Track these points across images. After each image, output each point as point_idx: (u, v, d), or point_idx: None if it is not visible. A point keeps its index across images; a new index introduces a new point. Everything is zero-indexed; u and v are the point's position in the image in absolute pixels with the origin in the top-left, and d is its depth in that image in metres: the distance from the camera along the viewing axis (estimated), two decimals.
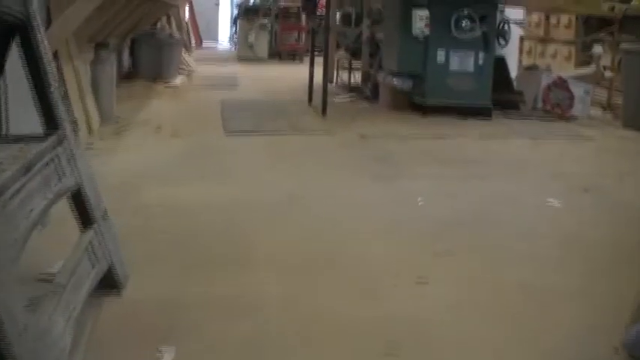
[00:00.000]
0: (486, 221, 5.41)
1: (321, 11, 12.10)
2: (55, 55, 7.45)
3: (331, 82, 13.06)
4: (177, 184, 6.18)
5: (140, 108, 10.20)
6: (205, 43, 25.98)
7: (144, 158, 7.17)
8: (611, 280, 4.37)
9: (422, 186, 6.34)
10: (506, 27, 10.88)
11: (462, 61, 10.31)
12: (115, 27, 10.57)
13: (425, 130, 9.14)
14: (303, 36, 20.20)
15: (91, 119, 8.23)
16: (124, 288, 3.83)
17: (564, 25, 15.38)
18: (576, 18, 14.68)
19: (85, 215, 3.63)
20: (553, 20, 15.72)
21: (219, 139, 8.30)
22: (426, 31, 9.95)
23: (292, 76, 15.27)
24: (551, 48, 15.76)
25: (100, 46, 9.13)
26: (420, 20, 9.87)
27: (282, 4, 20.66)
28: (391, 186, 6.37)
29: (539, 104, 11.08)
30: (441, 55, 10.27)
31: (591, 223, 5.55)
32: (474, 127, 9.56)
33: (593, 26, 14.11)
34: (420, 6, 9.96)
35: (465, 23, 10.07)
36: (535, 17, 16.09)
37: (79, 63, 8.17)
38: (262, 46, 20.01)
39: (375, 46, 12.42)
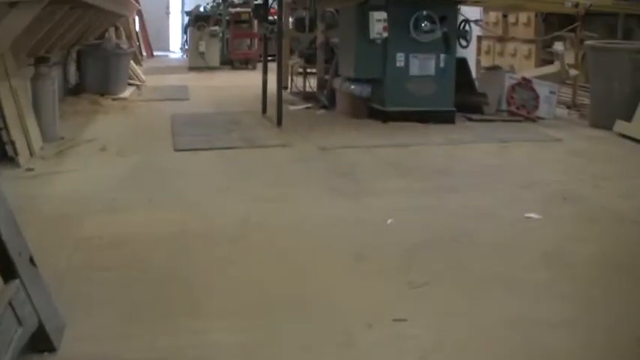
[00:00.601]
0: (462, 241, 4.93)
1: (272, 17, 11.58)
2: None
3: (285, 89, 12.59)
4: (122, 211, 5.66)
5: (86, 125, 9.66)
6: (156, 53, 25.45)
7: (87, 181, 6.65)
8: (606, 304, 3.96)
9: (389, 203, 5.87)
10: (467, 27, 10.42)
11: (423, 65, 9.86)
12: (58, 39, 10.04)
13: (387, 139, 8.67)
14: (256, 42, 19.75)
15: (32, 140, 7.69)
16: (59, 343, 3.32)
17: (523, 23, 15.09)
18: (535, 15, 14.38)
19: (5, 266, 3.10)
20: (511, 19, 15.41)
21: (169, 157, 7.76)
22: (385, 34, 9.47)
23: (245, 85, 14.72)
24: (510, 47, 15.46)
25: (40, 60, 8.59)
26: (378, 23, 9.39)
27: (233, 10, 20.15)
28: (356, 204, 5.87)
29: (504, 106, 10.67)
30: (400, 59, 9.81)
31: (575, 237, 5.12)
32: (437, 132, 9.11)
33: (553, 24, 13.84)
34: (376, 8, 9.49)
35: (424, 24, 9.62)
36: (492, 16, 15.72)
37: (16, 80, 7.64)
38: (214, 55, 19.44)
39: (330, 52, 11.99)
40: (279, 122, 9.48)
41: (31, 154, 7.59)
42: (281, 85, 9.78)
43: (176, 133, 9.02)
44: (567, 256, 4.72)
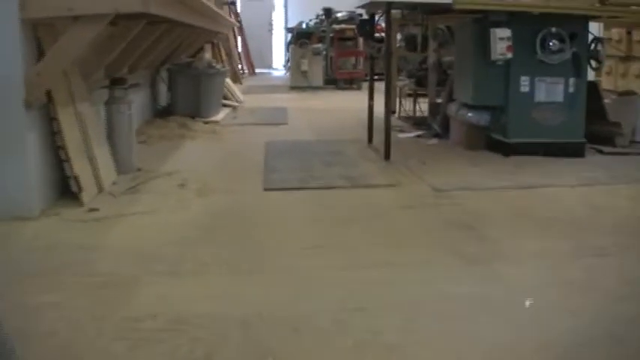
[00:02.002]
0: (627, 342, 3.59)
1: (379, 34, 10.43)
2: (49, 96, 5.97)
3: (393, 113, 11.44)
4: (189, 275, 4.50)
5: (169, 153, 8.68)
6: (259, 70, 24.72)
7: (156, 229, 5.54)
8: None
9: (525, 273, 4.58)
10: (599, 46, 9.11)
11: (550, 90, 8.59)
12: (141, 57, 9.10)
13: (512, 179, 7.36)
14: (361, 61, 18.69)
15: (101, 174, 6.68)
16: None
17: None
18: None
19: None
20: (636, 36, 14.01)
21: (257, 198, 6.61)
22: (508, 55, 8.21)
23: (349, 107, 13.70)
24: (634, 67, 14.04)
25: (115, 82, 7.58)
26: (501, 42, 8.12)
27: (337, 27, 19.10)
28: (485, 275, 4.56)
29: (639, 137, 9.35)
30: (524, 84, 8.54)
31: None
32: (567, 170, 7.83)
33: None
34: (499, 24, 8.26)
35: (552, 43, 8.37)
36: (614, 33, 14.24)
37: (84, 104, 6.65)
38: (317, 74, 18.47)
39: (443, 73, 10.80)
40: (387, 155, 8.32)
41: (100, 189, 6.60)
42: (389, 112, 8.58)
43: (268, 166, 7.92)
44: None
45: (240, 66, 22.13)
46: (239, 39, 23.24)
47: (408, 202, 6.46)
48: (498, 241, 5.28)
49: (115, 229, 5.53)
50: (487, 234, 5.46)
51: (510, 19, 8.33)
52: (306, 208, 6.27)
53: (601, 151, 8.96)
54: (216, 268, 4.64)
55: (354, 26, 17.98)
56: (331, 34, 19.07)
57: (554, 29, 8.34)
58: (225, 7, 19.92)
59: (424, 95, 11.67)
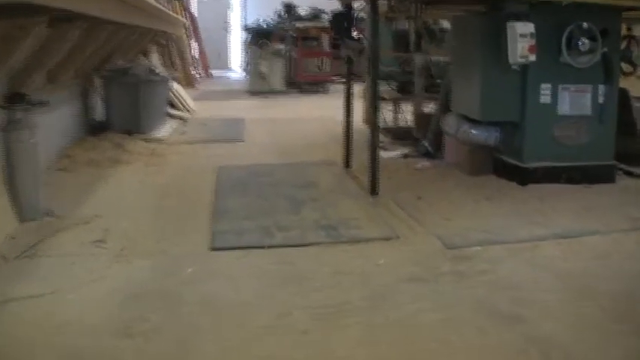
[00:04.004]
0: None
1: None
2: None
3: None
4: None
5: (94, 186, 6.82)
6: (216, 73, 22.90)
7: (46, 334, 3.59)
8: None
9: None
10: (632, 45, 7.34)
11: (575, 100, 6.83)
12: (62, 64, 7.26)
13: (543, 222, 5.50)
14: (327, 63, 16.89)
15: None
16: None
17: None
18: None
19: None
20: (637, 32, 12.33)
21: (200, 265, 4.61)
22: (531, 57, 6.33)
23: (317, 116, 12.01)
24: None
25: (13, 99, 5.66)
26: (522, 39, 6.27)
27: (300, 25, 17.26)
28: None
29: None
30: (545, 93, 6.75)
31: None
32: (606, 205, 6.08)
33: None
34: (518, 17, 6.40)
35: (582, 42, 6.55)
36: None
37: None
38: (277, 77, 16.67)
39: (430, 77, 9.00)
40: (374, 189, 6.45)
41: None
42: (377, 132, 6.70)
43: (219, 207, 6.03)
44: None
45: (195, 69, 20.30)
46: (193, 40, 21.44)
47: (415, 270, 4.50)
48: (573, 356, 3.34)
49: None
50: (548, 337, 3.51)
51: (531, 10, 6.50)
52: (270, 288, 4.26)
53: (630, 173, 7.24)
54: None
55: (318, 25, 16.41)
56: (293, 33, 17.28)
57: (585, 24, 6.51)
58: (175, 4, 18.06)
59: (404, 99, 9.83)
